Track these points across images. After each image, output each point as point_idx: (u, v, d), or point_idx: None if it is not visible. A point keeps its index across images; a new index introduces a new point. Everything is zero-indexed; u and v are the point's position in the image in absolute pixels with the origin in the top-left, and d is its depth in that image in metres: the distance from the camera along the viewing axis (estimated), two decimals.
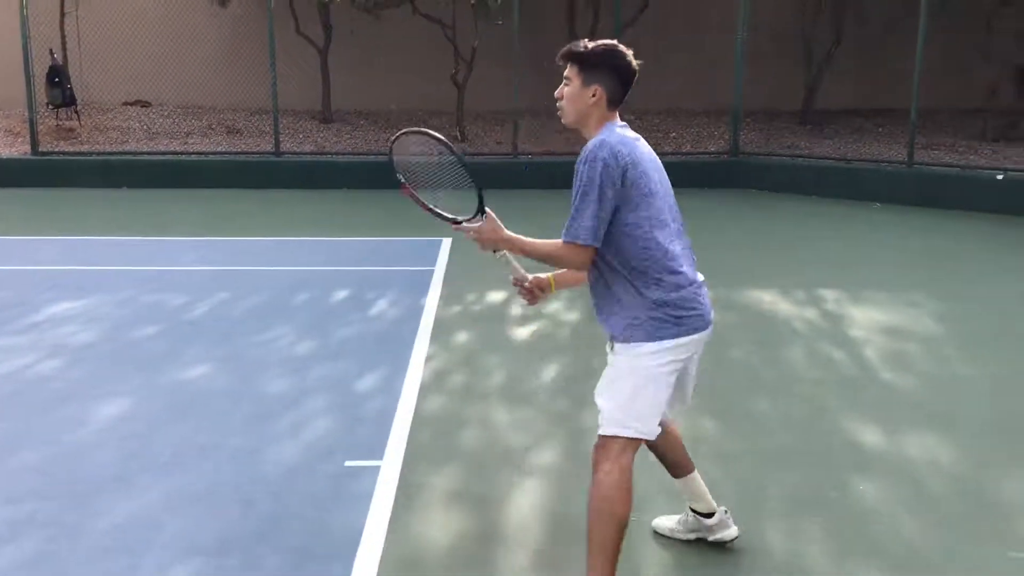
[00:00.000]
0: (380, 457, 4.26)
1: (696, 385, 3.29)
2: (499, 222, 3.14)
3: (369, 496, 3.89)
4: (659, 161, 3.11)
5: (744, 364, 5.68)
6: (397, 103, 16.46)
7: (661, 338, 2.98)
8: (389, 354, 5.77)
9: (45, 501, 3.82)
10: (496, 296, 7.19)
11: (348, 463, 4.21)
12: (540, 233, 3.16)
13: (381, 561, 3.40)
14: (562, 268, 3.20)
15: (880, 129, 14.82)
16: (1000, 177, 11.33)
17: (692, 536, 3.54)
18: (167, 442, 4.45)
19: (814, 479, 4.10)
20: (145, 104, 16.58)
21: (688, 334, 3.00)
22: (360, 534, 3.58)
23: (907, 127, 11.99)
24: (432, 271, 7.93)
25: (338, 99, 15.91)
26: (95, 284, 7.44)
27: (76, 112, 15.12)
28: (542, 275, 3.35)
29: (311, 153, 13.79)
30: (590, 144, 2.97)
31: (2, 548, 3.46)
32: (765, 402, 5.02)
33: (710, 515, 3.47)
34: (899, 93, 12.34)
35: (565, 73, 3.07)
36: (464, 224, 3.20)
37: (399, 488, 3.96)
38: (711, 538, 3.50)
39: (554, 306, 6.90)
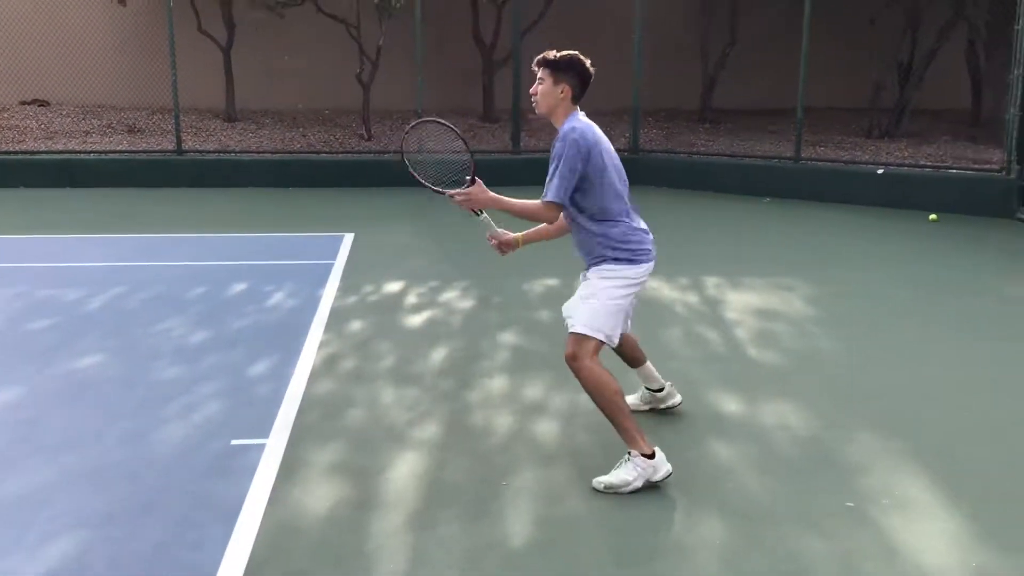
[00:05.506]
0: (266, 436, 4.44)
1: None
2: (485, 187, 4.00)
3: (253, 470, 4.06)
4: (609, 142, 4.05)
5: None
6: (304, 103, 16.49)
7: (626, 262, 4.01)
8: (282, 342, 5.92)
9: None
10: (393, 287, 7.39)
11: (234, 442, 4.38)
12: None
13: (261, 526, 3.59)
14: (536, 223, 4.21)
15: (772, 127, 15.47)
16: (880, 172, 11.97)
17: (647, 407, 4.73)
18: (57, 426, 4.54)
19: (675, 443, 4.42)
20: (43, 103, 16.25)
21: (641, 264, 4.03)
22: (241, 504, 3.76)
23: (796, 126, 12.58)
24: (332, 264, 8.08)
25: (243, 98, 15.86)
26: None
27: None
28: (512, 234, 4.31)
29: (215, 151, 13.73)
30: (565, 127, 3.92)
31: None
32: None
33: (660, 390, 4.71)
34: (789, 93, 12.90)
35: (539, 75, 4.01)
36: (455, 192, 4.02)
37: (282, 463, 4.15)
38: (662, 406, 4.74)
39: (449, 295, 7.14)
